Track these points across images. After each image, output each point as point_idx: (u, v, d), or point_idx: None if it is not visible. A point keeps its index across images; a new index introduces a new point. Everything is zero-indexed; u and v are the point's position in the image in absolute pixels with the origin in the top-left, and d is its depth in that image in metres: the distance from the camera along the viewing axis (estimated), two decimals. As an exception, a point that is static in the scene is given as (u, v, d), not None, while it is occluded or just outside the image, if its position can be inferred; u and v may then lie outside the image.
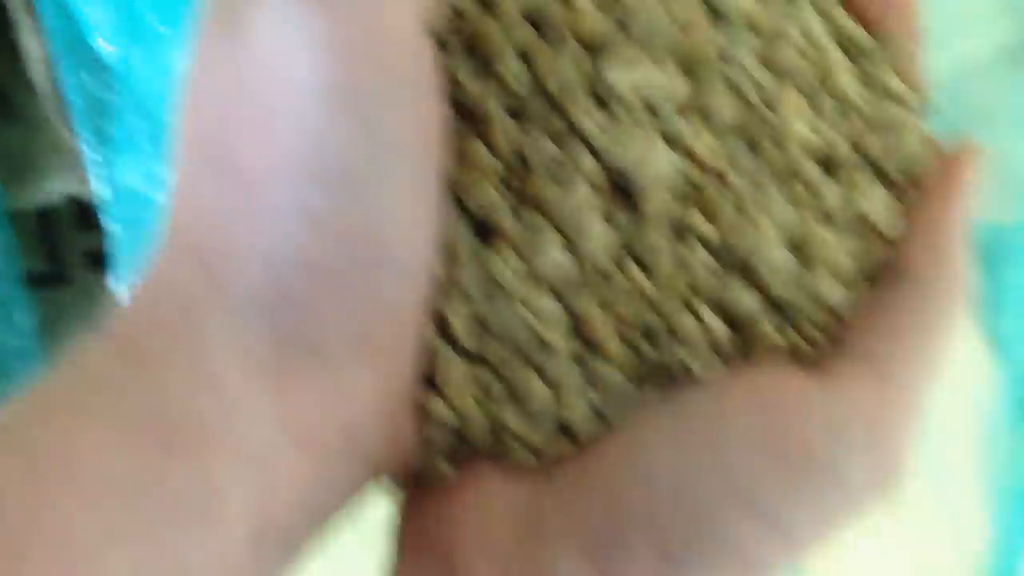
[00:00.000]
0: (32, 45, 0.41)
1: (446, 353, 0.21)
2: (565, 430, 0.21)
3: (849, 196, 0.22)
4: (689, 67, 0.21)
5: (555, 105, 0.21)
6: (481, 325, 0.21)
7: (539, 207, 0.21)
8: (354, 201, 0.19)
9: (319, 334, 0.19)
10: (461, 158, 0.21)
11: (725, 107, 0.21)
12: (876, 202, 0.22)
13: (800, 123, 0.22)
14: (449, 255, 0.21)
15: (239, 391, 0.19)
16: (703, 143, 0.21)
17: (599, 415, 0.21)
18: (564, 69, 0.21)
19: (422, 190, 0.20)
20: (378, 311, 0.20)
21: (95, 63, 0.37)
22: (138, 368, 0.19)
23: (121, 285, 0.39)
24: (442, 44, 0.21)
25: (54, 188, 0.46)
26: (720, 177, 0.21)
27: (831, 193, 0.22)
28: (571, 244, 0.21)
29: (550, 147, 0.21)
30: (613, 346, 0.21)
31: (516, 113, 0.21)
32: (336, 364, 0.20)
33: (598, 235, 0.21)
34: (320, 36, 0.19)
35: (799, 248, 0.22)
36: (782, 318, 0.22)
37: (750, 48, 0.22)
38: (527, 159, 0.21)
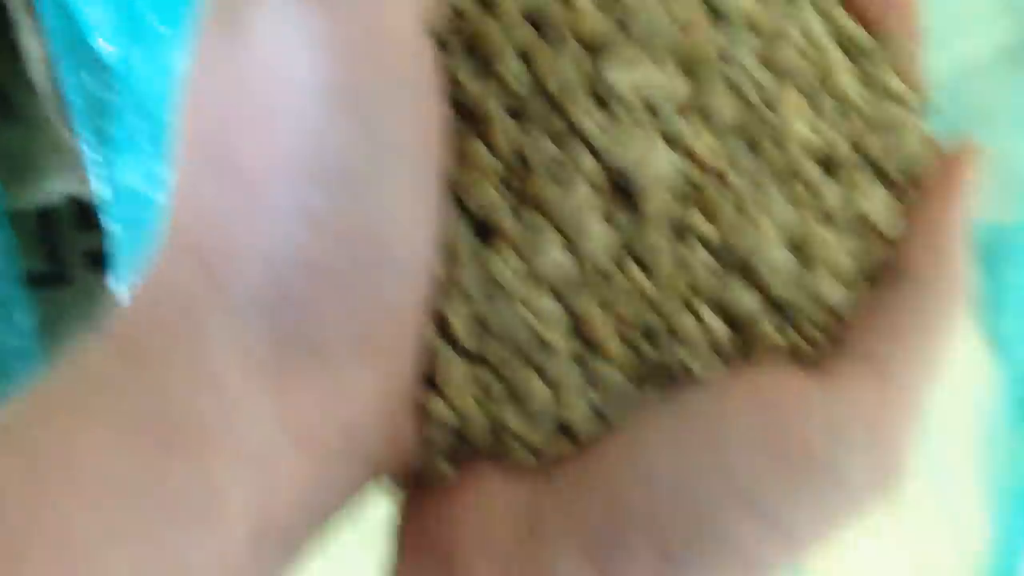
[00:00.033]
0: (32, 45, 0.41)
1: (446, 353, 0.21)
2: (565, 430, 0.21)
3: (849, 196, 0.22)
4: (689, 67, 0.21)
5: (555, 105, 0.21)
6: (481, 325, 0.21)
7: (539, 207, 0.21)
8: (354, 201, 0.19)
9: (319, 334, 0.19)
10: (461, 158, 0.21)
11: (725, 107, 0.21)
12: (876, 202, 0.22)
13: (800, 123, 0.22)
14: (449, 255, 0.21)
15: (239, 391, 0.19)
16: (703, 143, 0.21)
17: (599, 415, 0.21)
18: (564, 69, 0.21)
19: (422, 190, 0.20)
20: (378, 311, 0.20)
21: (95, 63, 0.37)
22: (138, 368, 0.19)
23: (121, 285, 0.39)
24: (442, 44, 0.21)
25: (54, 188, 0.46)
26: (720, 177, 0.21)
27: (831, 193, 0.22)
28: (571, 244, 0.21)
29: (550, 147, 0.21)
30: (613, 346, 0.21)
31: (516, 113, 0.21)
32: (336, 364, 0.20)
33: (598, 235, 0.21)
34: (320, 36, 0.19)
35: (799, 248, 0.22)
36: (782, 318, 0.22)
37: (750, 48, 0.22)
38: (527, 159, 0.21)
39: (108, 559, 0.17)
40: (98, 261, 0.48)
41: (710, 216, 0.21)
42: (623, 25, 0.21)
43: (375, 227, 0.19)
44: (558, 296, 0.21)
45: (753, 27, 0.22)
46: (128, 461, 0.18)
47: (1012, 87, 0.35)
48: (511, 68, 0.21)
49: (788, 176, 0.22)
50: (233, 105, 0.19)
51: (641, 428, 0.21)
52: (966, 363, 0.35)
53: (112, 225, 0.38)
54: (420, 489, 0.22)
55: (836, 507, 0.20)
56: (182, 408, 0.18)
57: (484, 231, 0.21)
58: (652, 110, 0.21)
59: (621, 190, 0.21)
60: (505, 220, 0.21)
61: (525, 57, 0.21)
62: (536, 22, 0.21)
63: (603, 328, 0.21)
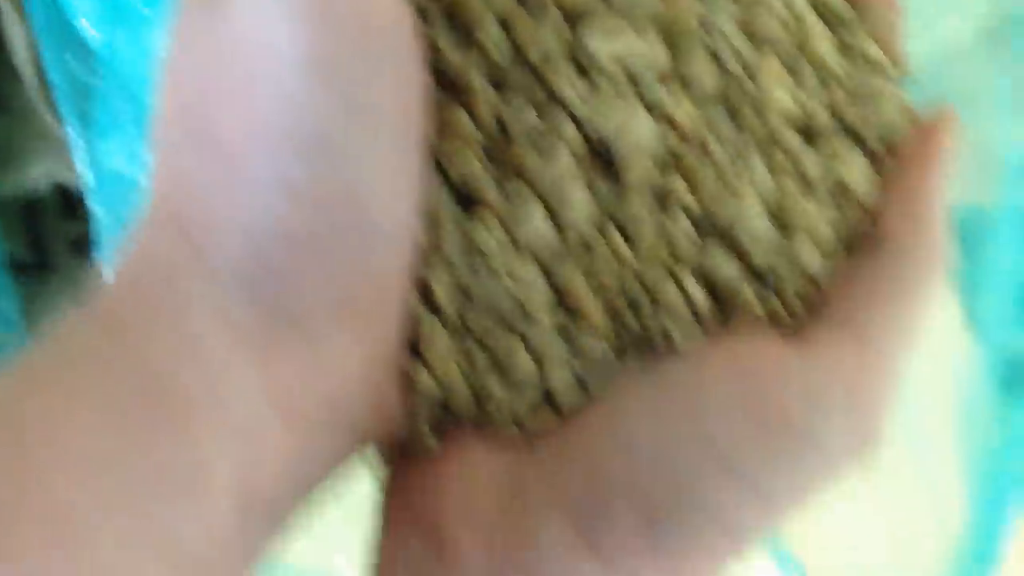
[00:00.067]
0: (16, 31, 0.41)
1: (430, 323, 0.21)
2: (548, 399, 0.22)
3: (829, 164, 0.22)
4: (670, 36, 0.21)
5: (536, 74, 0.21)
6: (464, 295, 0.21)
7: (521, 176, 0.21)
8: (335, 171, 0.19)
9: (301, 305, 0.19)
10: (442, 127, 0.21)
11: (706, 76, 0.22)
12: (855, 170, 0.22)
13: (780, 92, 0.22)
14: (431, 225, 0.21)
15: (223, 362, 0.19)
16: (684, 112, 0.21)
17: (582, 384, 0.22)
18: (545, 38, 0.21)
19: (404, 159, 0.20)
20: (361, 280, 0.20)
21: (79, 47, 0.37)
22: (120, 340, 0.19)
23: (106, 269, 0.39)
24: (422, 13, 0.21)
25: (39, 175, 0.46)
26: (701, 146, 0.21)
27: (811, 161, 0.22)
28: (553, 213, 0.21)
29: (531, 116, 0.21)
30: (596, 315, 0.21)
31: (497, 82, 0.21)
32: (319, 334, 0.20)
33: (580, 204, 0.21)
34: (299, 6, 0.19)
35: (779, 216, 0.22)
36: (762, 286, 0.22)
37: (730, 16, 0.22)
38: (508, 128, 0.21)
39: (96, 532, 0.17)
40: (82, 249, 0.48)
41: (691, 184, 0.21)
42: None
43: (356, 196, 0.19)
44: (541, 265, 0.21)
45: None
46: (113, 434, 0.18)
47: (992, 69, 0.36)
48: (492, 37, 0.21)
49: (768, 144, 0.22)
50: (212, 77, 0.19)
51: (622, 397, 0.21)
52: (943, 333, 0.36)
53: (96, 208, 0.37)
54: (404, 460, 0.22)
55: (814, 472, 0.20)
56: (165, 380, 0.18)
57: (466, 200, 0.21)
58: (633, 79, 0.21)
59: (602, 159, 0.21)
60: (487, 189, 0.21)
61: (505, 26, 0.21)
62: None
63: (586, 297, 0.21)
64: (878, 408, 0.20)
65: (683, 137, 0.21)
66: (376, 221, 0.20)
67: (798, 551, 0.36)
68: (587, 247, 0.21)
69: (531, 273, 0.21)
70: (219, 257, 0.19)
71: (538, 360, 0.21)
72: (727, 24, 0.22)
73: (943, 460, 0.34)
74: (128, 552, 0.17)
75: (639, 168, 0.21)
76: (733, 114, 0.22)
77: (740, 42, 0.22)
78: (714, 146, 0.21)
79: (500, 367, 0.21)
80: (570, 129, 0.21)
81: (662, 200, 0.21)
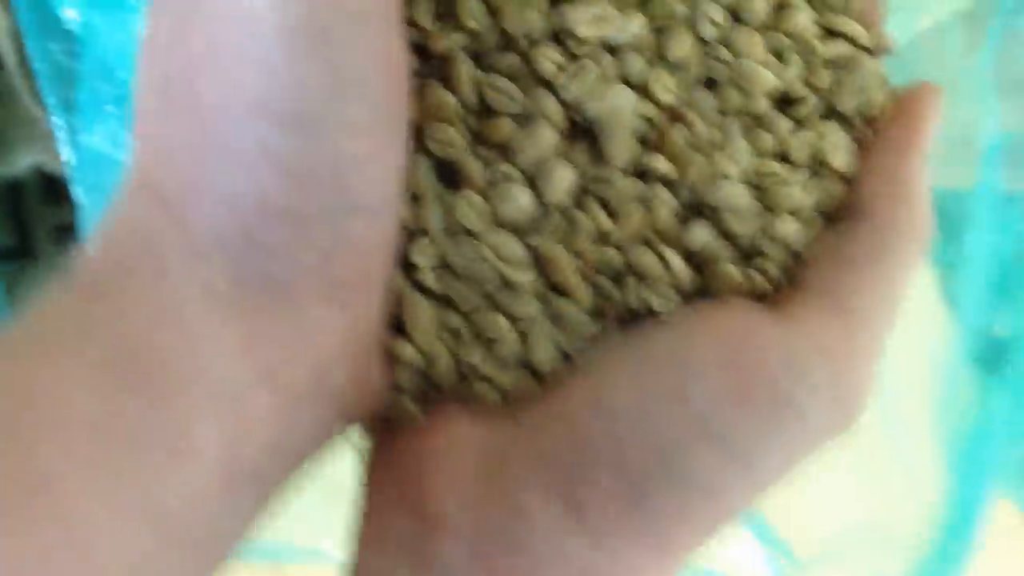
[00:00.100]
0: (-2, 18, 0.41)
1: (413, 296, 0.21)
2: (531, 371, 0.22)
3: (811, 141, 0.22)
4: (650, 10, 0.22)
5: (518, 51, 0.21)
6: (447, 267, 0.21)
7: (504, 152, 0.21)
8: (316, 140, 0.19)
9: (283, 274, 0.19)
10: (425, 104, 0.21)
11: (689, 53, 0.22)
12: (835, 143, 0.23)
13: (763, 69, 0.22)
14: (414, 198, 0.21)
15: (204, 330, 0.19)
16: (664, 85, 0.22)
17: (564, 355, 0.22)
18: (527, 15, 0.21)
19: (387, 131, 0.20)
20: (343, 251, 0.20)
21: (61, 32, 0.37)
22: (100, 305, 0.19)
23: (89, 248, 0.38)
24: None
25: (23, 161, 0.46)
26: (681, 119, 0.22)
27: (793, 138, 0.22)
28: (535, 187, 0.21)
29: (513, 90, 0.21)
30: (578, 287, 0.21)
31: (480, 59, 0.21)
32: (302, 304, 0.20)
33: (561, 177, 0.21)
34: None
35: (760, 188, 0.22)
36: (743, 257, 0.22)
37: None
38: (491, 105, 0.21)
39: (79, 498, 0.17)
40: (66, 236, 0.48)
41: (672, 157, 0.21)
42: None
43: (338, 168, 0.19)
44: (523, 238, 0.21)
45: None
46: (93, 401, 0.18)
47: (970, 53, 0.36)
48: (472, 11, 0.21)
49: (751, 121, 0.22)
50: (194, 45, 0.19)
51: (605, 368, 0.21)
52: (921, 313, 0.36)
53: (79, 193, 0.37)
54: (388, 434, 0.22)
55: (796, 440, 0.20)
56: (145, 346, 0.18)
57: (449, 176, 0.21)
58: (613, 53, 0.21)
59: (584, 132, 0.21)
60: (469, 164, 0.21)
61: (487, 3, 0.21)
62: None
63: (568, 269, 0.21)
64: (861, 378, 0.21)
65: (664, 110, 0.21)
66: (359, 192, 0.19)
67: (780, 527, 0.36)
68: (569, 220, 0.21)
69: (513, 246, 0.21)
70: (200, 226, 0.19)
71: (521, 332, 0.21)
72: (710, 2, 0.22)
73: (920, 439, 0.34)
74: (112, 518, 0.17)
75: (620, 141, 0.21)
76: (713, 87, 0.22)
77: (720, 16, 0.22)
78: (697, 123, 0.22)
79: (483, 339, 0.21)
80: (551, 103, 0.21)
81: (643, 173, 0.21)
